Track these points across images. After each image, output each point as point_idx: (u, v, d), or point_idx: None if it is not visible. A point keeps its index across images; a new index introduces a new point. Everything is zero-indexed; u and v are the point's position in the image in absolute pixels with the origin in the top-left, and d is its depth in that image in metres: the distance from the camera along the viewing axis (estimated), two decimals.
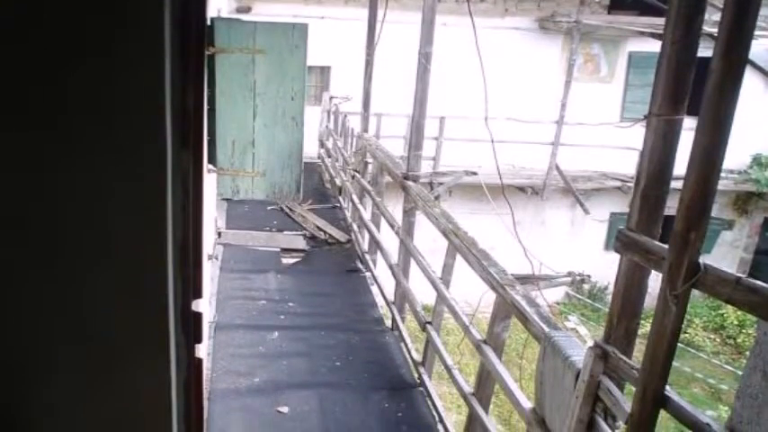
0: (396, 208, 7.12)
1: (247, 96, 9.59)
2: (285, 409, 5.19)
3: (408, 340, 6.37)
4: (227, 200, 9.97)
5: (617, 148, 13.23)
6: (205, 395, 5.02)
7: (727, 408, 10.57)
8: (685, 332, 12.81)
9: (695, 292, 2.30)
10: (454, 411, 8.85)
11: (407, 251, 6.36)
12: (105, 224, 1.35)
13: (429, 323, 5.62)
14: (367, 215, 8.37)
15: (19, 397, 1.47)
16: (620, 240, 2.73)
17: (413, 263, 6.26)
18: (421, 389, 5.74)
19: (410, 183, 6.45)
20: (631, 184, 12.43)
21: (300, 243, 8.92)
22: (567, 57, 14.01)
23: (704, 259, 2.25)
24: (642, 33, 13.36)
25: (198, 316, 1.54)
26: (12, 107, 1.26)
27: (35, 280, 1.38)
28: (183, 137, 1.36)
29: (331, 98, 13.19)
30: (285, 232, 9.27)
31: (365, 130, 9.65)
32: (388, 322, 6.92)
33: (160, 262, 1.39)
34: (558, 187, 14.21)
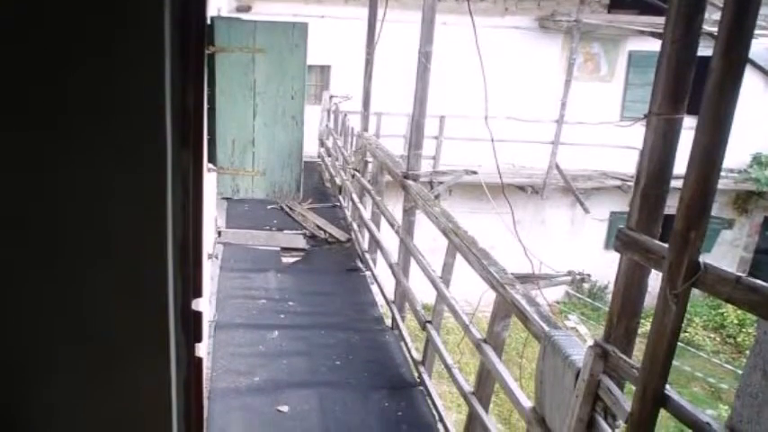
0: (396, 207, 7.12)
1: (247, 95, 9.60)
2: (285, 408, 5.20)
3: (408, 339, 6.38)
4: (227, 199, 10.00)
5: (617, 147, 13.25)
6: (205, 394, 5.02)
7: (727, 407, 10.58)
8: (685, 331, 12.82)
9: (695, 291, 2.30)
10: (454, 410, 8.85)
11: (407, 250, 6.36)
12: (105, 223, 1.35)
13: (429, 322, 5.63)
14: (367, 214, 8.37)
15: (19, 397, 1.47)
16: (620, 239, 2.73)
17: (413, 262, 6.26)
18: (421, 388, 5.74)
19: (410, 182, 6.45)
20: (631, 184, 12.43)
21: (300, 242, 8.92)
22: (567, 56, 14.01)
23: (704, 258, 2.25)
24: (642, 32, 13.35)
25: (198, 315, 1.54)
26: (12, 107, 1.26)
27: (35, 280, 1.38)
28: (183, 136, 1.36)
29: (331, 97, 13.19)
30: (285, 231, 9.27)
31: (365, 129, 9.65)
32: (388, 321, 6.92)
33: (160, 261, 1.39)
34: (558, 186, 14.21)
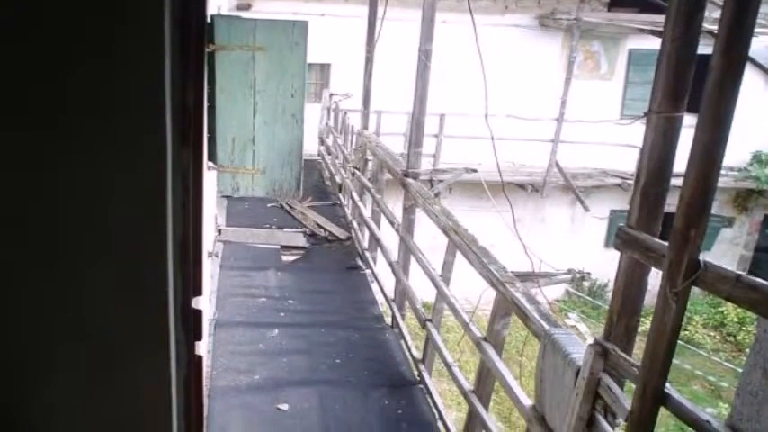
0: (396, 205, 7.12)
1: (247, 93, 9.59)
2: (285, 407, 5.20)
3: (408, 337, 6.38)
4: (227, 197, 9.99)
5: (617, 146, 13.24)
6: (205, 392, 5.02)
7: (727, 405, 10.58)
8: (685, 329, 12.81)
9: (695, 290, 2.30)
10: (454, 408, 8.85)
11: (407, 248, 6.36)
12: (105, 222, 1.35)
13: (429, 320, 5.63)
14: (367, 212, 8.37)
15: (19, 397, 1.47)
16: (620, 238, 2.73)
17: (413, 260, 6.26)
18: (421, 386, 5.75)
19: (410, 180, 6.45)
20: (631, 182, 12.44)
21: (300, 240, 8.93)
22: (567, 54, 14.00)
23: (704, 256, 2.25)
24: (642, 30, 13.34)
25: (198, 313, 1.54)
26: (12, 107, 1.26)
27: (35, 280, 1.39)
28: (183, 134, 1.36)
29: (331, 95, 13.18)
30: (285, 229, 9.27)
31: (365, 127, 9.65)
32: (388, 319, 6.92)
33: (160, 259, 1.39)
34: (558, 184, 14.21)
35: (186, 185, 1.40)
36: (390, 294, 7.07)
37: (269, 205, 10.08)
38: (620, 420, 2.76)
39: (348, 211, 9.89)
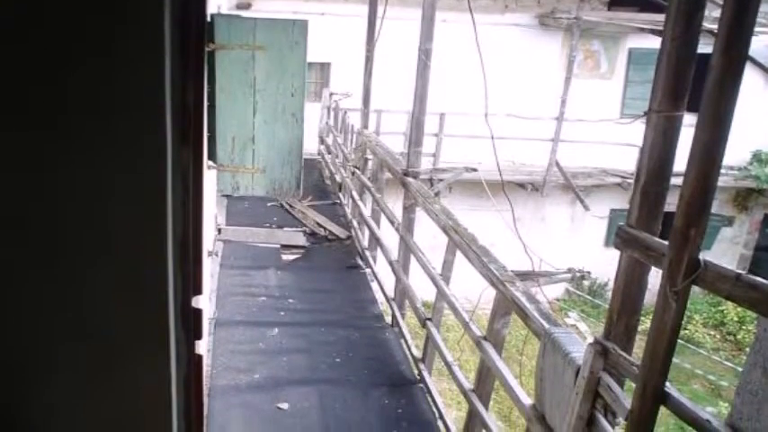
0: (396, 204, 7.12)
1: (247, 93, 9.58)
2: (285, 406, 5.20)
3: (408, 337, 6.38)
4: (227, 196, 9.97)
5: (617, 145, 13.23)
6: (205, 392, 5.02)
7: (727, 404, 10.59)
8: (685, 328, 12.82)
9: (695, 289, 2.30)
10: (454, 408, 8.85)
11: (407, 247, 6.36)
12: (105, 221, 1.35)
13: (429, 319, 5.63)
14: (367, 212, 8.37)
15: (19, 397, 1.47)
16: (620, 237, 2.73)
17: (413, 259, 6.26)
18: (421, 385, 5.75)
19: (410, 179, 6.45)
20: (631, 181, 12.45)
21: (300, 239, 8.93)
22: (567, 53, 13.99)
23: (704, 256, 2.25)
24: (642, 30, 13.33)
25: (198, 312, 1.54)
26: (12, 107, 1.26)
27: (35, 280, 1.39)
28: (183, 133, 1.36)
29: (331, 95, 13.18)
30: (285, 229, 9.27)
31: (365, 126, 9.65)
32: (388, 319, 6.92)
33: (160, 258, 1.39)
34: (558, 184, 14.20)
35: (186, 185, 1.40)
36: (390, 293, 7.07)
37: (269, 204, 10.08)
38: (620, 419, 2.77)
39: (348, 211, 9.89)
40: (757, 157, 14.64)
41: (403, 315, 6.73)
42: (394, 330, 6.72)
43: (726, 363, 12.48)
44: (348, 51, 12.64)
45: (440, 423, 5.24)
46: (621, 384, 2.83)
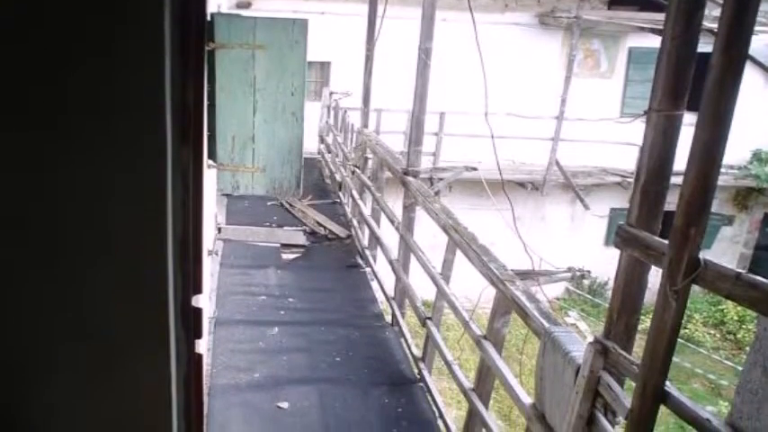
0: (396, 203, 7.12)
1: (247, 92, 9.58)
2: (285, 405, 5.20)
3: (408, 336, 6.38)
4: (227, 195, 9.97)
5: (617, 144, 13.23)
6: (205, 391, 5.02)
7: (727, 403, 10.58)
8: (685, 328, 12.82)
9: (695, 288, 2.30)
10: (454, 407, 8.86)
11: (407, 247, 6.36)
12: (105, 221, 1.35)
13: (429, 319, 5.63)
14: (367, 211, 8.37)
15: (19, 397, 1.47)
16: (620, 236, 2.73)
17: (413, 258, 6.26)
18: (421, 384, 5.75)
19: (410, 178, 6.45)
20: (631, 180, 12.45)
21: (300, 239, 8.93)
22: (567, 52, 13.99)
23: (704, 255, 2.25)
24: (642, 29, 13.33)
25: (198, 311, 1.54)
26: (12, 107, 1.26)
27: (35, 280, 1.39)
28: (183, 133, 1.36)
29: (331, 94, 13.18)
30: (285, 228, 9.27)
31: (365, 125, 9.65)
32: (388, 318, 6.92)
33: (160, 257, 1.39)
34: (558, 183, 14.21)
35: (186, 184, 1.40)
36: (390, 292, 7.07)
37: (269, 203, 10.09)
38: (620, 418, 2.77)
39: (348, 210, 9.89)
40: (757, 156, 14.63)
41: (403, 314, 6.73)
42: (394, 329, 6.72)
43: (726, 362, 12.48)
44: (348, 50, 12.64)
45: (440, 422, 5.24)
46: (621, 383, 2.83)
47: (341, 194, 10.62)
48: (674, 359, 2.55)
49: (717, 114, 2.11)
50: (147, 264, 1.40)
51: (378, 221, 7.89)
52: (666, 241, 2.37)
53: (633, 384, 2.60)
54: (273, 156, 10.06)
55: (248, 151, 9.99)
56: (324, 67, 14.56)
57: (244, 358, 5.85)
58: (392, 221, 6.84)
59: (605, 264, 8.86)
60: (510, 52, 13.66)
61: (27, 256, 1.37)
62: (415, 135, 6.50)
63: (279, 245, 8.68)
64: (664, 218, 2.62)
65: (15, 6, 1.20)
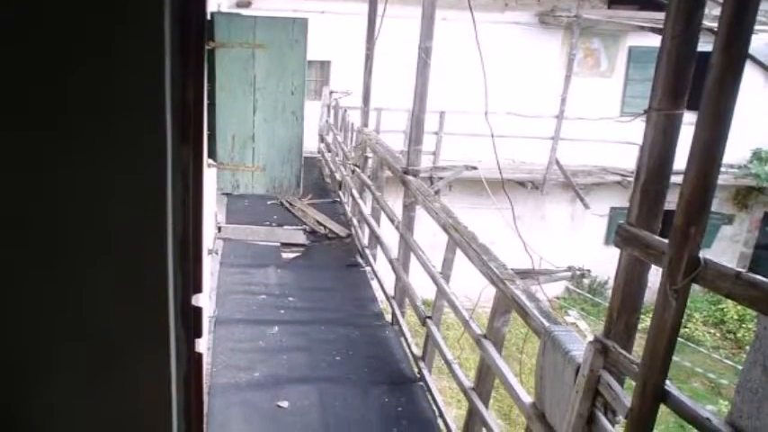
0: (396, 203, 7.12)
1: (247, 91, 9.59)
2: (285, 404, 5.20)
3: (408, 335, 6.38)
4: (227, 194, 9.98)
5: (617, 143, 13.23)
6: (205, 390, 5.03)
7: (727, 402, 10.58)
8: (685, 327, 12.82)
9: (695, 287, 2.30)
10: (454, 406, 8.86)
11: (407, 246, 6.36)
12: (105, 220, 1.35)
13: (429, 318, 5.63)
14: (367, 210, 8.37)
15: (19, 397, 1.47)
16: (620, 235, 2.73)
17: (413, 257, 6.26)
18: (421, 383, 5.75)
19: (410, 177, 6.45)
20: (631, 179, 12.45)
21: (300, 238, 8.93)
22: (567, 51, 13.99)
23: (704, 254, 2.25)
24: (642, 28, 13.34)
25: (198, 310, 1.54)
26: (12, 107, 1.26)
27: (35, 280, 1.38)
28: (182, 132, 1.36)
29: (331, 93, 13.18)
30: (285, 227, 9.28)
31: (365, 124, 9.65)
32: (388, 317, 6.92)
33: (160, 257, 1.39)
34: (558, 182, 14.21)
35: (186, 183, 1.40)
36: (390, 292, 7.08)
37: (269, 202, 10.09)
38: (620, 417, 2.77)
39: (348, 209, 9.89)
40: (757, 156, 14.63)
41: (403, 313, 6.73)
42: (394, 328, 6.72)
43: (726, 361, 12.48)
44: (348, 49, 12.64)
45: (440, 421, 5.25)
46: (621, 382, 2.83)
47: (341, 193, 10.62)
48: (674, 358, 2.55)
49: (717, 113, 2.11)
50: (147, 263, 1.39)
51: (378, 220, 7.89)
52: (666, 240, 2.37)
53: (633, 383, 2.60)
54: (273, 155, 10.07)
55: (248, 150, 9.99)
56: (324, 66, 14.55)
57: (244, 357, 5.85)
58: (392, 220, 6.84)
59: (605, 263, 8.86)
60: (510, 51, 13.66)
61: (27, 256, 1.37)
62: (415, 134, 6.50)
63: (279, 244, 8.68)
64: (664, 217, 2.62)
65: (15, 6, 1.20)
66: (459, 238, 4.92)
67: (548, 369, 3.32)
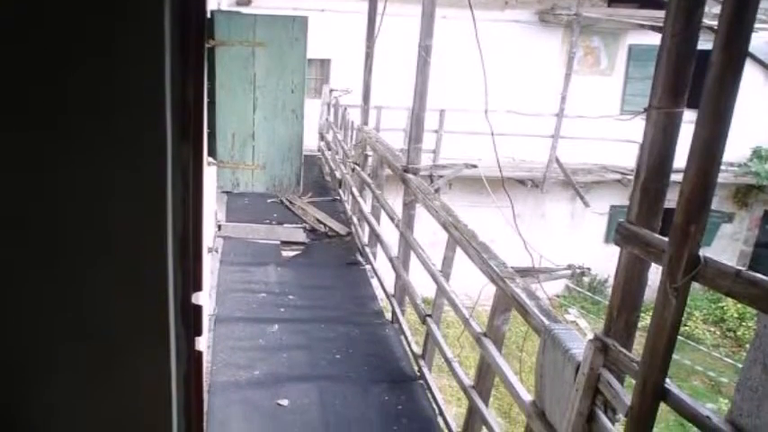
0: (396, 201, 7.12)
1: (247, 89, 9.60)
2: (285, 402, 5.20)
3: (408, 333, 6.38)
4: (227, 192, 10.01)
5: (617, 141, 13.22)
6: (205, 388, 5.03)
7: (727, 400, 10.59)
8: (685, 325, 12.83)
9: (695, 285, 2.30)
10: (454, 404, 8.87)
11: (407, 244, 6.36)
12: (105, 219, 1.35)
13: (429, 316, 5.63)
14: (367, 208, 8.37)
15: (19, 397, 1.47)
16: (620, 233, 2.73)
17: (413, 256, 6.26)
18: (421, 381, 5.75)
19: (410, 175, 6.45)
20: (631, 177, 12.44)
21: (300, 236, 8.93)
22: (567, 49, 13.99)
23: (704, 252, 2.25)
24: (642, 26, 13.33)
25: (198, 309, 1.54)
26: (12, 107, 1.26)
27: (35, 280, 1.38)
28: (182, 130, 1.36)
29: (331, 91, 13.18)
30: (285, 225, 9.28)
31: (365, 122, 9.65)
32: (388, 315, 6.92)
33: (160, 255, 1.39)
34: (558, 180, 14.21)
35: (186, 181, 1.40)
36: (390, 290, 7.08)
37: (269, 201, 10.10)
38: (620, 416, 2.77)
39: (348, 207, 9.89)
40: (757, 154, 14.63)
41: (403, 311, 6.73)
42: (394, 327, 6.73)
43: (726, 359, 12.49)
44: (348, 48, 12.64)
45: (440, 419, 5.25)
46: (621, 381, 2.83)
47: (341, 192, 10.62)
48: (674, 356, 2.55)
49: (717, 111, 2.11)
50: (147, 261, 1.40)
51: (378, 219, 7.89)
52: (666, 238, 2.37)
53: (633, 381, 2.60)
54: (273, 153, 10.10)
55: (248, 148, 10.02)
56: (324, 64, 14.55)
57: (244, 355, 5.86)
58: (392, 219, 6.84)
59: (605, 261, 8.85)
60: (510, 49, 13.65)
61: (27, 256, 1.37)
62: (415, 132, 6.49)
63: (279, 242, 8.68)
64: (664, 215, 2.62)
65: (15, 6, 1.20)
66: (460, 237, 4.92)
67: (548, 367, 3.32)
